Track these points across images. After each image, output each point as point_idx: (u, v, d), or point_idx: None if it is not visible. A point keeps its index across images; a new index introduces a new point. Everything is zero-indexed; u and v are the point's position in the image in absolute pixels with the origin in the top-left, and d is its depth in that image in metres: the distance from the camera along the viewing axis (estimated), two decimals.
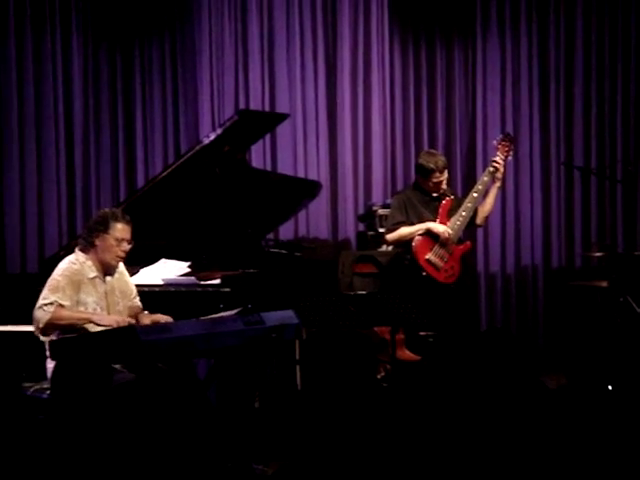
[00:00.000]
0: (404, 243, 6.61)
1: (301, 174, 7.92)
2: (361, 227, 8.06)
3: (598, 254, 7.19)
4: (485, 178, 6.65)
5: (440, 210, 6.60)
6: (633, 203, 8.07)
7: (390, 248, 7.19)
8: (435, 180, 6.59)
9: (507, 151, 6.70)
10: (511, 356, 7.14)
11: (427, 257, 6.49)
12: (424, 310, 5.60)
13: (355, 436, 5.61)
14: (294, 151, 8.09)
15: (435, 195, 6.64)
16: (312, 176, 7.88)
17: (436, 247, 6.50)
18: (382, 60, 8.16)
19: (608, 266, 6.88)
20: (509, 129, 8.16)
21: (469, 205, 6.58)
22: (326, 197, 8.01)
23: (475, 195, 6.60)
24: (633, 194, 8.07)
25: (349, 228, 8.13)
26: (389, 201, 8.00)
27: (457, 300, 6.62)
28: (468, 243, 6.71)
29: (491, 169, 6.64)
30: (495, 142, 6.77)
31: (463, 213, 6.57)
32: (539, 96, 8.26)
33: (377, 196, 8.11)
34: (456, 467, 5.03)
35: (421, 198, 6.69)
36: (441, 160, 6.64)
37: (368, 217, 7.86)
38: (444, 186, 6.65)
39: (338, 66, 8.12)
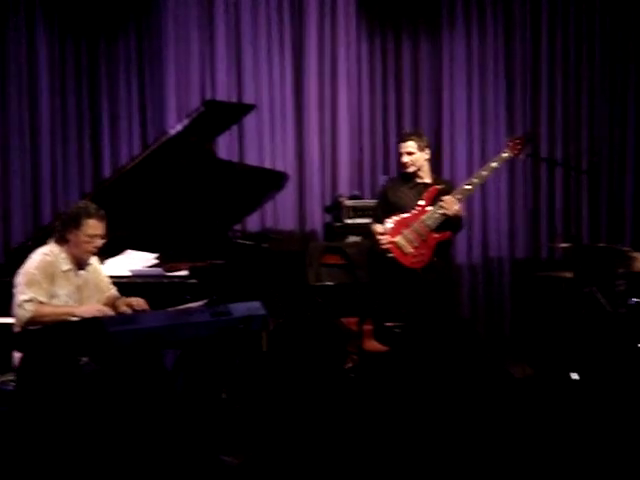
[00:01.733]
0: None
1: (268, 165, 7.91)
2: (328, 218, 8.06)
3: (563, 245, 7.22)
4: (484, 172, 6.61)
5: (424, 196, 6.57)
6: (598, 194, 8.12)
7: (358, 239, 7.19)
8: (399, 150, 6.62)
9: (518, 149, 6.67)
10: (478, 346, 7.17)
11: (395, 239, 6.46)
12: (392, 301, 5.61)
13: (322, 427, 5.61)
14: (261, 142, 8.09)
15: (409, 172, 6.63)
16: (279, 167, 7.87)
17: (407, 231, 6.48)
18: (349, 52, 8.17)
19: (573, 257, 6.90)
20: (475, 120, 8.22)
21: (458, 196, 6.53)
22: (293, 188, 8.00)
23: (467, 188, 6.57)
24: (598, 185, 8.13)
25: (316, 219, 8.14)
26: (356, 192, 8.03)
27: (428, 289, 6.61)
28: (448, 233, 6.64)
29: (494, 165, 6.62)
30: (507, 139, 6.77)
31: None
32: (505, 87, 8.29)
33: (344, 187, 8.12)
34: (424, 457, 5.05)
35: (403, 183, 6.70)
36: (407, 131, 6.76)
37: (335, 208, 7.86)
38: (406, 159, 6.62)
39: (305, 57, 8.12)
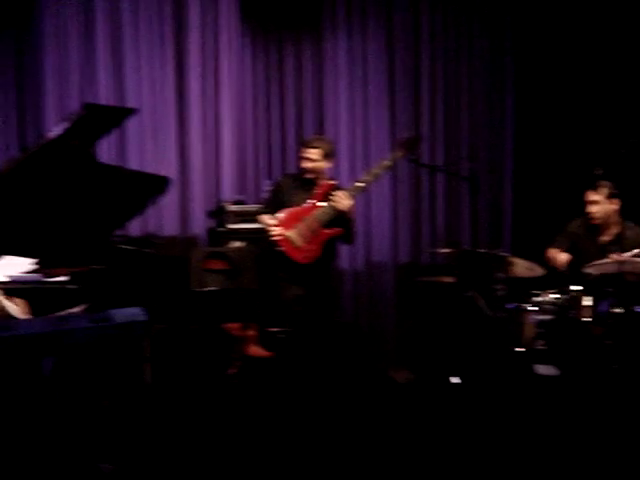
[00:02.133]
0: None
1: (150, 169, 7.82)
2: (212, 223, 8.01)
3: (445, 250, 7.31)
4: (376, 170, 6.64)
5: (318, 191, 6.57)
6: (478, 200, 8.24)
7: (241, 244, 7.16)
8: (301, 154, 6.63)
9: (410, 149, 6.71)
10: (361, 351, 7.21)
11: (287, 233, 6.45)
12: (275, 306, 5.60)
13: (205, 433, 5.56)
14: (143, 147, 7.99)
15: (308, 177, 6.64)
16: (161, 172, 7.78)
17: (300, 225, 6.48)
18: (232, 58, 8.11)
19: (454, 262, 6.99)
20: (358, 125, 8.27)
21: (352, 193, 6.56)
22: (176, 193, 7.93)
23: (359, 185, 6.60)
24: (478, 191, 8.25)
25: (199, 224, 8.07)
26: (240, 197, 8.00)
27: (320, 292, 6.63)
28: (338, 229, 6.66)
29: (385, 163, 6.65)
30: (399, 138, 6.83)
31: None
32: (387, 92, 8.36)
33: (227, 192, 8.07)
34: (305, 461, 5.05)
35: (293, 182, 6.71)
36: (310, 138, 6.83)
37: (218, 213, 7.81)
38: (309, 165, 6.64)
39: (187, 61, 8.04)
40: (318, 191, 6.55)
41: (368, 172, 6.70)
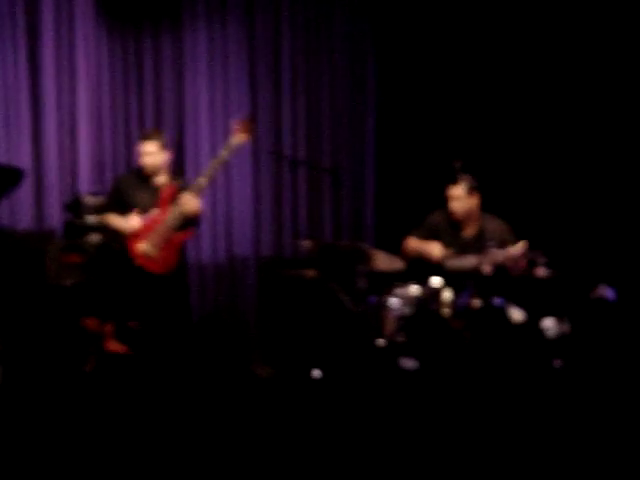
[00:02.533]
0: (114, 231, 6.51)
1: (3, 161, 7.59)
2: (68, 216, 7.81)
3: (307, 244, 7.30)
4: (214, 164, 6.64)
5: (162, 195, 6.51)
6: (340, 193, 8.27)
7: (100, 237, 7.04)
8: (140, 149, 6.63)
9: (247, 131, 6.72)
10: (222, 346, 7.15)
11: (141, 247, 6.38)
12: (132, 300, 5.50)
13: (59, 433, 5.43)
14: None
15: (155, 184, 6.59)
16: (15, 163, 7.57)
17: (152, 235, 6.41)
18: (88, 50, 7.94)
19: (316, 255, 6.99)
20: (219, 117, 8.21)
21: (194, 192, 6.52)
22: (30, 184, 7.72)
23: (201, 183, 6.57)
24: (339, 184, 8.27)
25: (55, 217, 7.86)
26: (97, 190, 7.83)
27: (169, 288, 6.56)
28: (191, 231, 6.64)
29: (223, 154, 6.63)
30: (234, 125, 6.81)
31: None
32: (248, 84, 8.31)
33: (84, 184, 7.89)
34: (160, 459, 4.97)
35: (136, 181, 6.64)
36: (148, 131, 6.85)
37: (75, 206, 7.63)
38: (146, 160, 6.58)
39: (40, 55, 7.83)
40: (163, 196, 6.51)
41: (207, 167, 6.69)
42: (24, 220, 7.82)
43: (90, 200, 7.48)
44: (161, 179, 6.67)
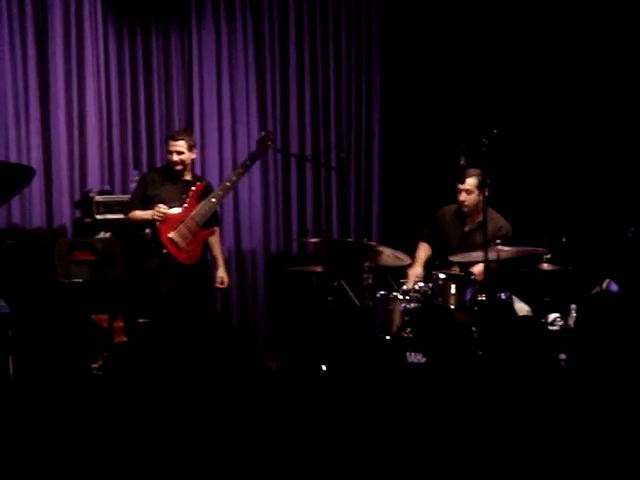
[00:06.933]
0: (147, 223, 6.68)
1: (14, 160, 7.65)
2: (78, 214, 7.87)
3: (313, 240, 7.36)
4: (240, 170, 6.82)
5: (190, 193, 6.66)
6: (346, 190, 8.32)
7: (108, 235, 7.13)
8: (169, 148, 6.73)
9: (266, 147, 7.00)
10: (235, 341, 7.20)
11: (170, 235, 6.53)
12: (143, 297, 5.57)
13: (71, 428, 5.47)
14: (5, 136, 7.79)
15: (177, 172, 6.71)
16: (25, 162, 7.63)
17: (181, 226, 6.57)
18: (96, 46, 7.97)
19: (323, 252, 7.04)
20: (226, 115, 8.26)
21: (220, 193, 6.72)
22: (40, 183, 7.76)
23: (228, 185, 6.76)
24: (346, 181, 8.32)
25: (65, 214, 7.91)
26: (106, 187, 7.89)
27: (195, 277, 6.70)
28: (215, 228, 6.82)
29: (248, 162, 6.89)
30: (257, 138, 7.08)
31: (212, 200, 6.72)
32: (255, 82, 8.34)
33: (93, 182, 7.92)
34: (163, 456, 5.01)
35: (163, 177, 6.77)
36: (178, 130, 7.06)
37: (84, 203, 7.69)
38: (175, 158, 6.70)
39: (50, 51, 7.86)
40: (191, 194, 6.68)
41: (234, 172, 6.96)
42: (35, 217, 7.88)
43: (100, 198, 7.54)
44: (187, 177, 6.82)
